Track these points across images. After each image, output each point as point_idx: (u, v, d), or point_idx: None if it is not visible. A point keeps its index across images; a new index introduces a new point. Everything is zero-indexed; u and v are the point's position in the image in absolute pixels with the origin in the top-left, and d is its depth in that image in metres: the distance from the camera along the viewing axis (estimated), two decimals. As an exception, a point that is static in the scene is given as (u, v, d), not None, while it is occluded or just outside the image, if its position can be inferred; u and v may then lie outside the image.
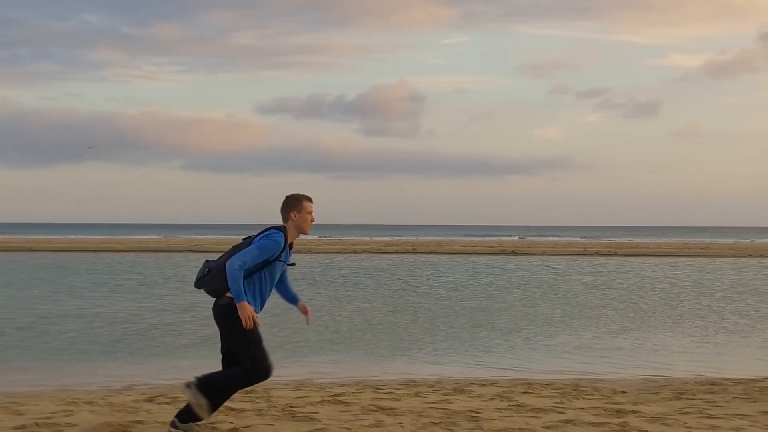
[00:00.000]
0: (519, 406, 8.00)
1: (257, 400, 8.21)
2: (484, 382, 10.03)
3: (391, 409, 7.76)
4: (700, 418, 7.47)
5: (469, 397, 8.67)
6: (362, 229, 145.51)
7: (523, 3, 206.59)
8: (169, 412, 7.36)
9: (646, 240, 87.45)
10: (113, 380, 10.53)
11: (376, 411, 7.66)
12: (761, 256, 52.99)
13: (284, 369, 11.63)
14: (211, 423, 6.81)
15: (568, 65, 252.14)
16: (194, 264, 39.78)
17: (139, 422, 7.09)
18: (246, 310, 6.18)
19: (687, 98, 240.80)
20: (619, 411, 7.72)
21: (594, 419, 7.33)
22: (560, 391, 9.08)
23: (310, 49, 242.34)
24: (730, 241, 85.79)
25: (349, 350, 13.71)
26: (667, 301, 22.37)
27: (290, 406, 7.84)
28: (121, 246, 60.68)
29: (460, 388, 9.37)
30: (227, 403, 7.06)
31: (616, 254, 53.95)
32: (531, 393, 8.95)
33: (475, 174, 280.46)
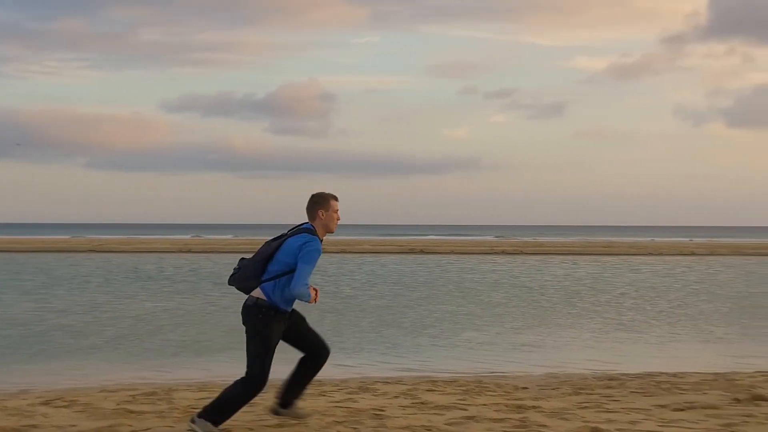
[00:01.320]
0: (423, 403, 8.06)
1: (158, 402, 8.07)
2: (388, 381, 10.08)
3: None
4: (597, 412, 7.65)
5: (373, 395, 8.70)
6: (272, 229, 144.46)
7: (433, 4, 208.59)
8: (67, 416, 7.19)
9: (552, 239, 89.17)
10: (9, 384, 10.21)
11: (280, 411, 7.60)
12: (660, 254, 54.61)
13: (188, 370, 11.52)
14: (110, 425, 6.67)
15: (476, 66, 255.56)
16: (96, 264, 38.94)
17: (35, 426, 6.90)
18: (312, 292, 6.49)
19: (592, 100, 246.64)
20: (519, 407, 7.84)
21: (495, 415, 7.44)
22: (464, 388, 9.18)
23: (219, 47, 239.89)
24: (630, 239, 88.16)
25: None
26: (567, 298, 22.86)
27: (193, 408, 7.72)
28: (20, 246, 58.94)
29: (364, 386, 9.39)
30: (125, 406, 6.94)
31: (522, 253, 54.87)
32: (435, 390, 9.02)
33: (386, 173, 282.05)
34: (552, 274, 33.28)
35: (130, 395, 8.52)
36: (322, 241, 6.61)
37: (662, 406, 7.94)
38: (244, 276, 6.51)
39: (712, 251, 57.24)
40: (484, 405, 7.97)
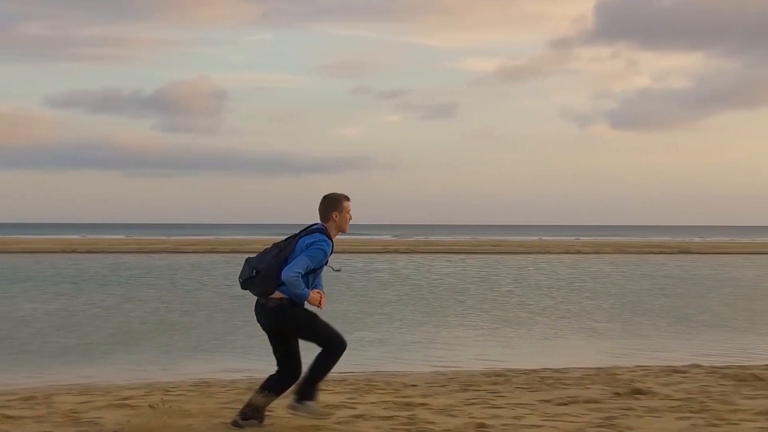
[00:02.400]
0: (311, 403, 8.02)
1: (37, 407, 7.80)
2: (278, 381, 9.98)
3: (181, 410, 7.57)
4: (484, 408, 7.76)
5: (263, 396, 8.60)
6: (161, 228, 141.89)
7: (325, 2, 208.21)
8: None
9: (443, 238, 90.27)
10: None
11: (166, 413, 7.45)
12: (547, 252, 55.92)
13: (69, 374, 11.17)
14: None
15: (368, 66, 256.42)
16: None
17: None
18: (313, 297, 6.52)
19: (482, 101, 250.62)
20: (408, 404, 7.88)
21: (384, 413, 7.47)
22: (353, 387, 9.18)
23: (107, 42, 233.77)
24: (519, 238, 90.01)
25: (140, 352, 13.32)
26: (456, 296, 23.17)
27: (73, 412, 7.51)
28: None
29: (253, 387, 9.24)
30: (2, 411, 6.69)
31: (413, 252, 55.35)
32: (324, 390, 8.94)
33: (278, 172, 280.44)
34: (442, 273, 33.68)
35: (7, 400, 8.21)
36: (333, 241, 6.68)
37: (546, 401, 8.11)
38: (264, 282, 6.56)
39: (597, 250, 58.94)
40: (373, 403, 7.99)
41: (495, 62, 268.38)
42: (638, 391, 8.53)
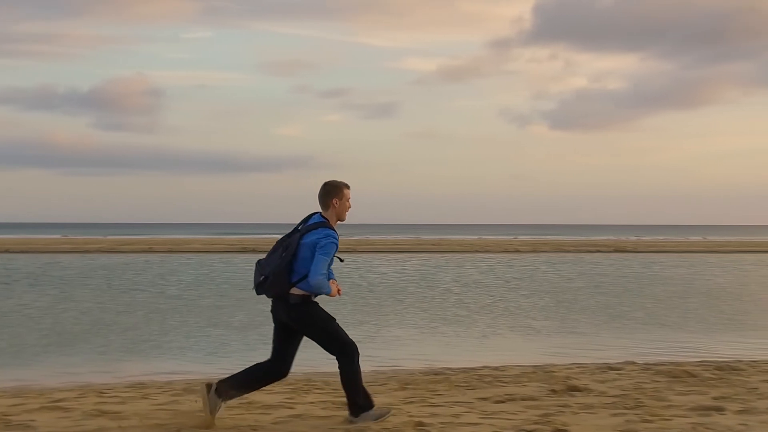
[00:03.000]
0: (249, 403, 7.96)
1: (-34, 411, 7.61)
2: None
3: (115, 413, 7.47)
4: (422, 406, 7.78)
5: (199, 397, 8.50)
6: (97, 228, 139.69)
7: (266, 1, 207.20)
8: None
9: (384, 237, 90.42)
10: None
11: (99, 416, 7.35)
12: (486, 251, 56.35)
13: (0, 377, 10.91)
14: None
15: (309, 64, 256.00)
16: None
17: None
18: (333, 286, 6.67)
19: (422, 101, 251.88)
20: (346, 404, 7.85)
21: (322, 413, 7.45)
22: (292, 387, 9.15)
23: (42, 38, 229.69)
24: (459, 237, 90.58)
25: (74, 353, 13.08)
26: (395, 295, 23.22)
27: (5, 415, 7.34)
28: None
29: (190, 388, 9.19)
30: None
31: (354, 251, 55.33)
32: (262, 390, 8.91)
33: (218, 171, 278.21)
34: (381, 272, 33.73)
35: (-65, 404, 7.99)
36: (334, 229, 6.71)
37: (484, 399, 8.17)
38: (275, 284, 6.62)
39: (535, 249, 59.58)
40: (312, 403, 7.97)
41: (435, 62, 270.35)
42: (574, 388, 8.63)
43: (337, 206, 6.72)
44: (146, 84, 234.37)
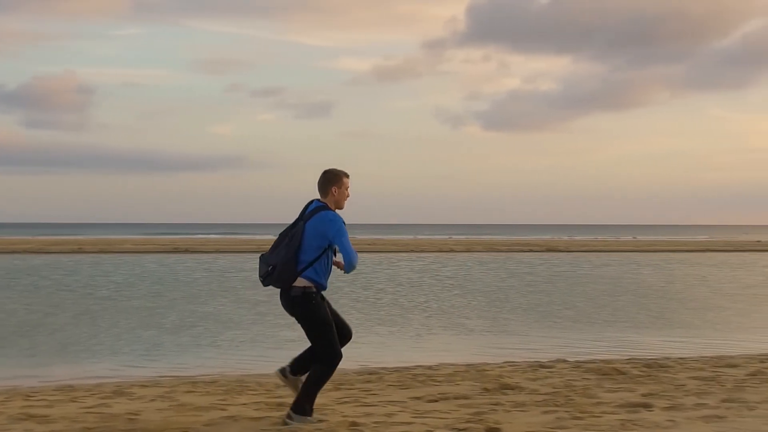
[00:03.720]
0: (181, 405, 7.87)
1: None
2: (146, 383, 9.76)
3: (42, 416, 7.32)
4: (356, 406, 7.77)
5: (129, 399, 8.39)
6: (24, 228, 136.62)
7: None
8: None
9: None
10: None
11: (26, 419, 7.19)
12: (421, 251, 56.60)
13: None
14: None
15: (242, 63, 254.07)
16: None
17: None
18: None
19: (357, 101, 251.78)
20: (280, 405, 7.82)
21: (255, 414, 7.39)
22: (224, 388, 9.06)
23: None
24: (394, 237, 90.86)
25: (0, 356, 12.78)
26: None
27: None
28: None
29: (120, 390, 9.05)
30: None
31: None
32: (194, 392, 8.84)
33: (150, 170, 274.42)
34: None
35: None
36: None
37: (417, 398, 8.20)
38: (281, 274, 6.65)
39: (469, 248, 60.07)
40: (245, 404, 7.90)
41: (370, 62, 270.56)
42: (506, 387, 8.71)
43: (336, 194, 6.79)
44: (76, 81, 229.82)
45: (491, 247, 61.41)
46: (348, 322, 7.22)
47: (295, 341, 14.48)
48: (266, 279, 6.79)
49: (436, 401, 7.99)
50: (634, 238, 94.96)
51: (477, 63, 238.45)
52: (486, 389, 8.59)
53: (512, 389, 8.65)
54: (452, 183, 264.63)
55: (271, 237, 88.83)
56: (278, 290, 6.88)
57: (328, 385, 9.24)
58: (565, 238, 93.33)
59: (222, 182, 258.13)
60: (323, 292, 6.92)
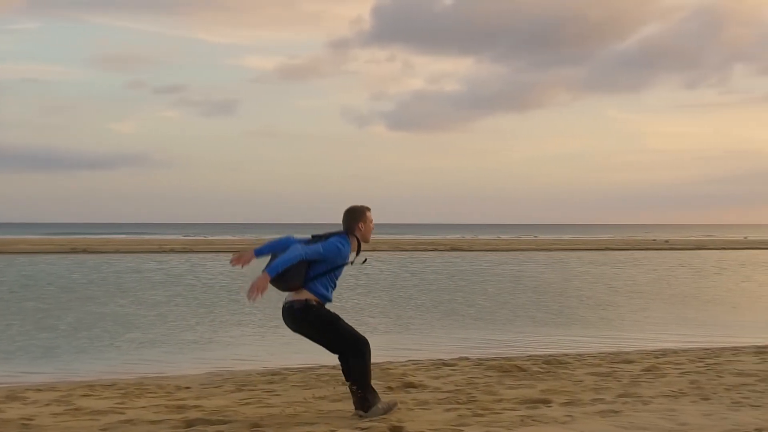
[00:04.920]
0: (77, 409, 7.66)
1: None
2: (41, 388, 9.46)
3: (-71, 423, 7.01)
4: (258, 407, 7.69)
5: (22, 404, 8.13)
6: None
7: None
8: None
9: (226, 237, 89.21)
10: None
11: None
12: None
13: None
14: None
15: (144, 60, 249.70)
16: None
17: None
18: (262, 281, 6.69)
19: (261, 99, 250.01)
20: (180, 407, 7.69)
21: (154, 417, 7.24)
22: (123, 391, 8.85)
23: None
24: (300, 236, 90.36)
25: None
26: (231, 295, 22.95)
27: None
28: None
29: (13, 395, 8.74)
30: None
31: (191, 251, 54.32)
32: (92, 395, 8.62)
33: (48, 168, 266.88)
34: (218, 272, 33.25)
35: None
36: (358, 252, 7.08)
37: (321, 398, 8.17)
38: (289, 279, 6.84)
39: (374, 248, 60.17)
40: (144, 408, 7.74)
41: (275, 60, 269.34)
42: (410, 385, 8.76)
43: (362, 229, 7.07)
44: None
45: (396, 246, 61.76)
46: (356, 332, 7.27)
47: (197, 342, 14.29)
48: (273, 280, 6.92)
49: (340, 401, 7.98)
50: (536, 237, 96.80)
51: (382, 63, 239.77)
52: (390, 388, 8.62)
53: (415, 387, 8.70)
54: (358, 182, 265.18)
55: (177, 237, 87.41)
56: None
57: (230, 386, 9.16)
58: (469, 237, 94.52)
59: (124, 181, 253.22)
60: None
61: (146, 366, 11.82)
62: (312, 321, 6.97)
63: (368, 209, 7.17)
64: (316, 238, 7.16)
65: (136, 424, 6.95)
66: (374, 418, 6.86)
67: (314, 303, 6.95)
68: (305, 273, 6.91)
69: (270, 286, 6.89)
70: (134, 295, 22.91)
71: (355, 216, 7.10)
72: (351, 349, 6.97)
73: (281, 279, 6.92)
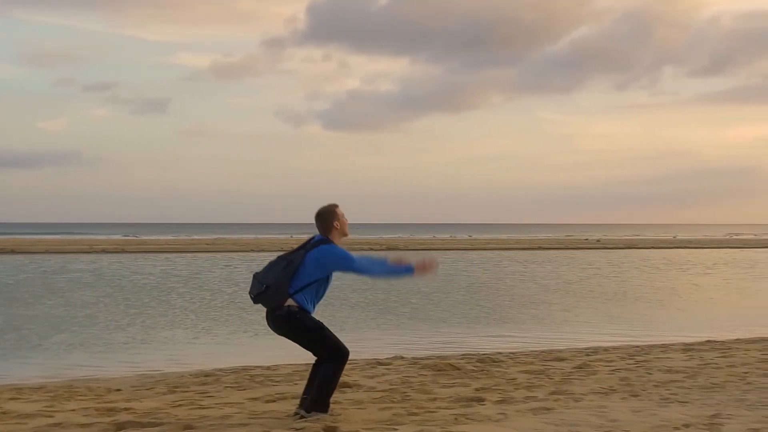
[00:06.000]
0: (4, 413, 7.49)
1: None
2: (-34, 392, 9.22)
3: None
4: (191, 409, 7.60)
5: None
6: None
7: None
8: None
9: (157, 237, 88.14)
10: None
11: None
12: (261, 250, 56.10)
13: None
14: None
15: (74, 57, 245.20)
16: None
17: None
18: (427, 265, 6.83)
19: (195, 97, 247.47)
20: (111, 410, 7.57)
21: (84, 420, 7.11)
22: (51, 394, 8.67)
23: None
24: (233, 236, 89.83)
25: None
26: (163, 296, 22.67)
27: None
28: None
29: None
30: None
31: (122, 251, 53.51)
32: (19, 399, 8.43)
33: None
34: (149, 273, 32.83)
35: None
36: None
37: (255, 399, 8.12)
38: (273, 295, 6.86)
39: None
40: (73, 410, 7.59)
41: (208, 59, 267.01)
42: (345, 385, 8.74)
43: (339, 227, 7.07)
44: None
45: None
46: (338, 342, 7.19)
47: (128, 344, 14.08)
48: (257, 297, 6.97)
49: (274, 401, 7.94)
50: (470, 236, 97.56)
51: (317, 63, 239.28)
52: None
53: (350, 387, 8.69)
54: (294, 182, 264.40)
55: (108, 237, 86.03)
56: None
57: (162, 388, 9.03)
58: (406, 237, 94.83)
59: (54, 180, 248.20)
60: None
61: (76, 368, 11.61)
62: (294, 327, 6.95)
63: (336, 206, 7.20)
64: (304, 248, 7.08)
65: (65, 428, 6.82)
66: (309, 419, 6.84)
67: (298, 311, 6.91)
68: (287, 287, 6.90)
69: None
70: (63, 296, 22.48)
71: (328, 218, 7.13)
72: (333, 355, 6.95)
73: (264, 297, 6.95)
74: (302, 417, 6.90)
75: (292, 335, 7.02)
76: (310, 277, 6.92)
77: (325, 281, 7.05)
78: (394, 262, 6.96)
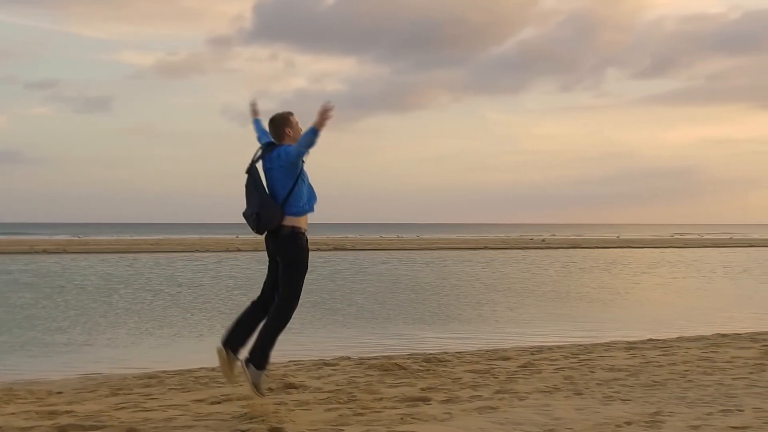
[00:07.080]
0: (-62, 418, 7.32)
1: None
2: None
3: None
4: (134, 411, 7.51)
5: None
6: None
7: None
8: None
9: (102, 237, 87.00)
10: None
11: None
12: (207, 250, 55.70)
13: None
14: None
15: (15, 54, 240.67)
16: None
17: None
18: (322, 115, 6.87)
19: (139, 96, 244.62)
20: (52, 413, 7.44)
21: (24, 423, 6.99)
22: (-9, 398, 8.50)
23: None
24: (178, 236, 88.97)
25: None
26: (105, 297, 22.37)
27: None
28: None
29: None
30: None
31: (64, 251, 52.71)
32: (-44, 403, 8.24)
33: None
34: (91, 273, 32.38)
35: None
36: None
37: (200, 401, 8.04)
38: (268, 216, 6.96)
39: (256, 247, 59.62)
40: (13, 414, 7.45)
41: (153, 57, 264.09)
42: (290, 386, 8.71)
43: (291, 134, 7.10)
44: None
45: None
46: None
47: (69, 346, 13.85)
48: (259, 227, 7.07)
49: (219, 403, 7.87)
50: (418, 236, 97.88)
51: (263, 62, 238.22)
52: (270, 389, 8.54)
53: (296, 388, 8.65)
54: (241, 181, 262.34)
55: (49, 237, 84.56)
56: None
57: (104, 391, 8.91)
58: (353, 236, 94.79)
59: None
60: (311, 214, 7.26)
61: (15, 371, 11.39)
62: (292, 252, 7.06)
63: (291, 113, 7.23)
64: (254, 164, 7.14)
65: (5, 431, 6.70)
66: (253, 420, 6.80)
67: (300, 232, 7.00)
68: (275, 203, 6.96)
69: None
70: (1, 297, 22.04)
71: (281, 123, 7.14)
72: (289, 301, 7.12)
73: (261, 223, 7.02)
74: (245, 368, 7.06)
75: (284, 256, 7.10)
76: (286, 182, 7.01)
77: (301, 180, 7.10)
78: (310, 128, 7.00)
